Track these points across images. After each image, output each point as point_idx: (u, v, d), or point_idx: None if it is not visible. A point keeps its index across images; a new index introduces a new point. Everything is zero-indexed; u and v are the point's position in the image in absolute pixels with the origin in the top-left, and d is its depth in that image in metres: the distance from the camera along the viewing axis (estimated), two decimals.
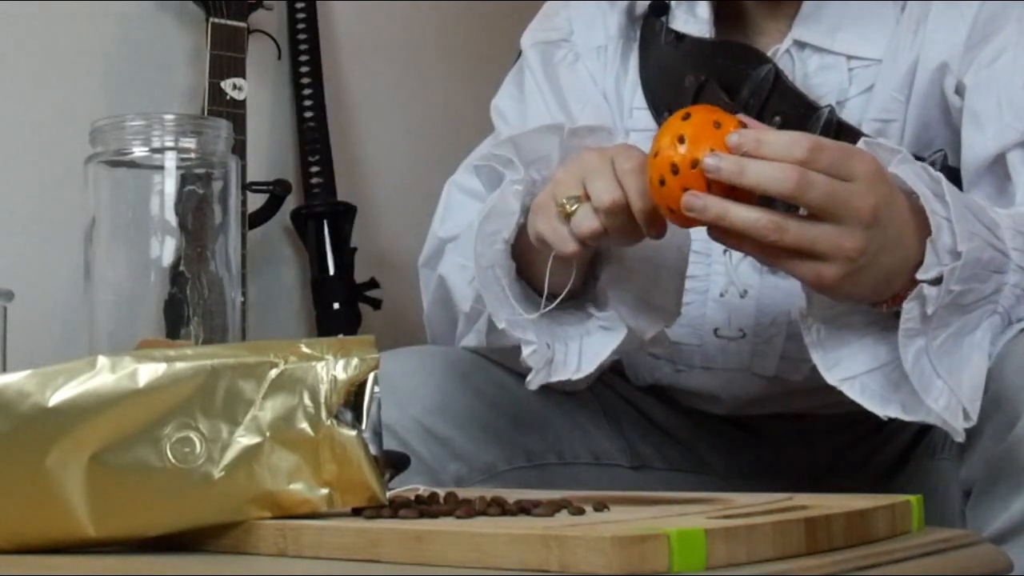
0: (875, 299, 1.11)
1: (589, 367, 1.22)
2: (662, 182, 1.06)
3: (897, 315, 1.09)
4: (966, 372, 1.10)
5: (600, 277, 1.24)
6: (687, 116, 1.07)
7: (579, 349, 1.23)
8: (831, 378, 1.13)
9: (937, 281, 1.08)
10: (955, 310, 1.09)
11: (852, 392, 1.12)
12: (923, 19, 1.32)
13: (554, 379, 1.22)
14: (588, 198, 1.13)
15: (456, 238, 1.43)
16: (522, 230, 1.21)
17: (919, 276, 1.07)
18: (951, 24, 1.31)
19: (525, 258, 1.23)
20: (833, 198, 1.04)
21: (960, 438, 1.10)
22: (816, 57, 1.35)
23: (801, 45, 1.35)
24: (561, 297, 1.19)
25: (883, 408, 1.12)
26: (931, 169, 1.11)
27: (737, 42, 1.38)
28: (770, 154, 1.04)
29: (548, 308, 1.20)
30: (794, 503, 0.92)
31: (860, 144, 1.13)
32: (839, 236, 1.05)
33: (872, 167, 1.07)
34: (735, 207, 1.05)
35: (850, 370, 1.13)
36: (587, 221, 1.12)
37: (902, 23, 1.33)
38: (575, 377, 1.22)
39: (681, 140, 1.06)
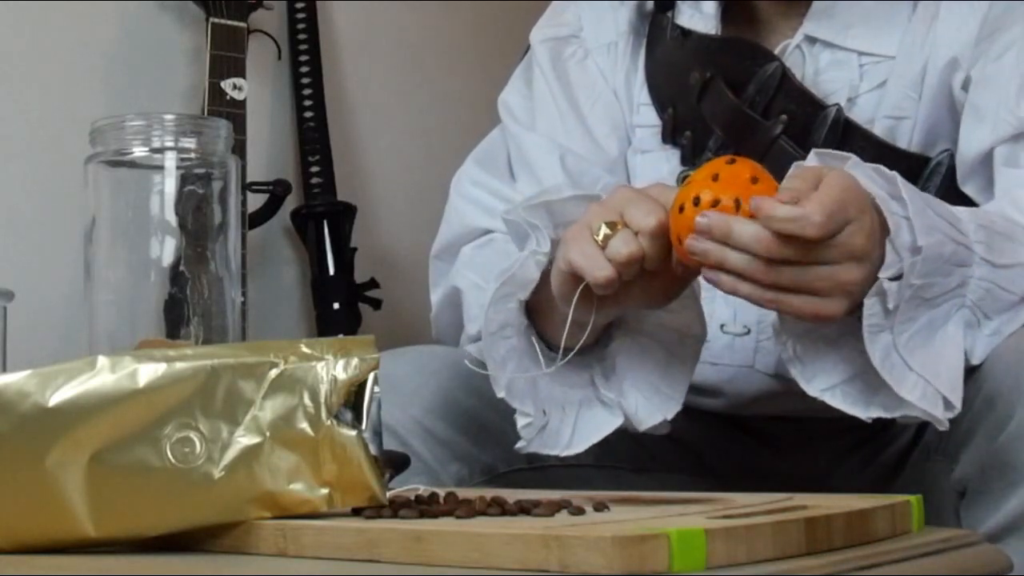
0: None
1: (580, 446, 1.21)
2: (681, 209, 1.07)
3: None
4: (941, 363, 1.11)
5: (613, 340, 1.22)
6: (732, 161, 1.08)
7: (574, 423, 1.21)
8: (811, 390, 1.13)
9: (897, 277, 1.08)
10: (919, 304, 1.10)
11: (834, 401, 1.13)
12: (936, 16, 1.32)
13: (543, 451, 1.21)
14: (625, 226, 1.10)
15: (470, 233, 1.43)
16: (537, 287, 1.19)
17: (880, 274, 1.08)
18: (962, 19, 1.31)
19: (538, 317, 1.22)
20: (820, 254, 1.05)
21: (943, 427, 1.11)
22: (827, 53, 1.35)
23: (812, 40, 1.35)
24: (571, 354, 1.17)
25: (866, 411, 1.12)
26: (883, 169, 1.11)
27: (743, 39, 1.38)
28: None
29: (558, 365, 1.18)
30: (794, 503, 0.92)
31: (810, 156, 1.13)
32: (835, 272, 1.06)
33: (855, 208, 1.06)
34: (733, 253, 1.05)
35: (829, 380, 1.13)
36: (625, 245, 1.09)
37: (914, 21, 1.34)
38: (563, 454, 1.21)
39: (715, 178, 1.07)
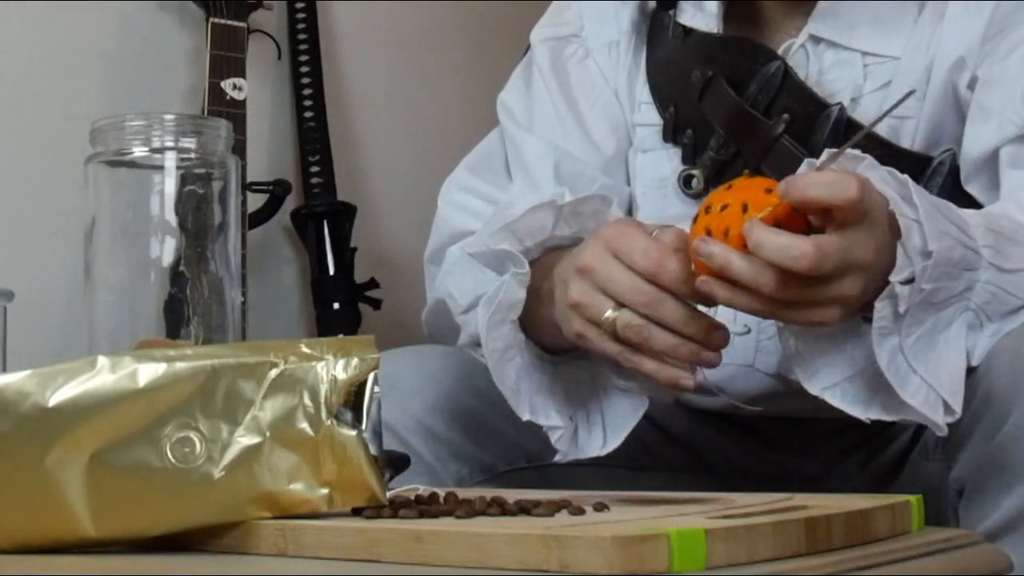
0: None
1: (615, 442, 1.21)
2: (695, 218, 1.08)
3: (871, 319, 1.09)
4: (943, 367, 1.11)
5: None
6: (752, 176, 1.10)
7: (601, 421, 1.22)
8: (812, 388, 1.13)
9: (909, 280, 1.08)
10: (927, 308, 1.10)
11: (834, 399, 1.12)
12: (942, 18, 1.32)
13: (582, 456, 1.20)
14: (620, 305, 1.10)
15: (457, 236, 1.43)
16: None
17: (892, 278, 1.07)
18: (968, 19, 1.31)
19: (530, 316, 1.22)
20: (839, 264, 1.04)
21: (942, 432, 1.11)
22: (831, 52, 1.35)
23: (816, 40, 1.35)
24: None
25: (865, 411, 1.12)
26: (896, 173, 1.11)
27: (745, 38, 1.38)
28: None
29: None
30: (794, 503, 0.92)
31: (824, 155, 1.13)
32: (838, 286, 1.05)
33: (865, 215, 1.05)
34: (738, 259, 1.04)
35: (830, 378, 1.13)
36: (632, 328, 1.09)
37: (921, 22, 1.34)
38: (603, 453, 1.21)
39: (729, 187, 1.08)
